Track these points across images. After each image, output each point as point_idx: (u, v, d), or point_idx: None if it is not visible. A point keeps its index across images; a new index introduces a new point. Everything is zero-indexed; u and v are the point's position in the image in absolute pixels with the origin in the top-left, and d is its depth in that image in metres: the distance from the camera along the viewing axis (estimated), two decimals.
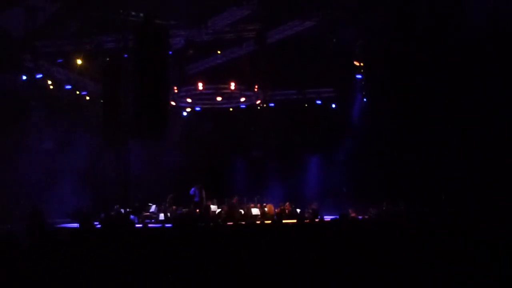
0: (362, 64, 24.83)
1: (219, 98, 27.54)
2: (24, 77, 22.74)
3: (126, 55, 22.28)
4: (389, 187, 22.90)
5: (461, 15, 20.76)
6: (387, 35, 22.29)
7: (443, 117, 22.06)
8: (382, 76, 23.97)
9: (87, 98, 25.49)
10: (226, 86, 26.66)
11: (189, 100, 28.01)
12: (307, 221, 14.42)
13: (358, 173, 24.61)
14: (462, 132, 21.34)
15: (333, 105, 27.53)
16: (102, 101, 22.97)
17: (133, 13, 20.99)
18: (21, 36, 21.82)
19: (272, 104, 28.52)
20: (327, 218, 17.00)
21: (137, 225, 16.12)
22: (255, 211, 23.01)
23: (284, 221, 16.62)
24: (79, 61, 23.15)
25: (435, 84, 22.05)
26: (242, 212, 22.89)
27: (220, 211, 22.55)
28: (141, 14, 20.80)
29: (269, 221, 18.94)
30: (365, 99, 25.76)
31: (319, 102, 27.78)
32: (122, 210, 21.19)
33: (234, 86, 26.51)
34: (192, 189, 22.79)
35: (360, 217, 18.67)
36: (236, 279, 7.71)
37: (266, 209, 23.48)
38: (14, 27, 21.24)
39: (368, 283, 7.57)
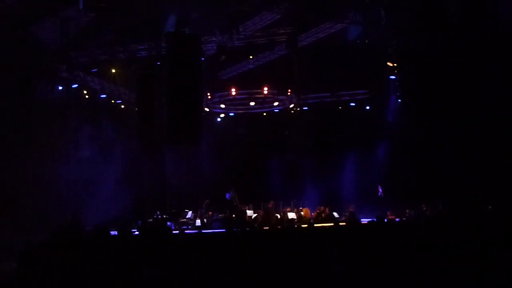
0: (395, 64, 24.57)
1: (252, 103, 27.58)
2: (60, 87, 23.07)
3: (159, 63, 22.42)
4: (427, 188, 22.65)
5: (495, 12, 20.44)
6: (420, 34, 22.07)
7: (480, 116, 21.74)
8: (416, 76, 23.72)
9: (122, 106, 25.76)
10: (259, 90, 26.71)
11: (222, 105, 28.11)
12: (344, 224, 14.35)
13: (395, 174, 24.35)
14: (500, 131, 21.01)
15: (367, 107, 27.32)
16: (136, 109, 23.17)
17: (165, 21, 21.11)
18: (56, 47, 22.12)
19: (306, 108, 28.43)
20: (365, 220, 16.85)
21: (174, 231, 16.20)
22: (292, 215, 22.96)
23: (320, 224, 16.57)
24: (113, 70, 23.41)
25: (470, 82, 21.75)
26: (279, 216, 22.86)
27: (256, 216, 22.55)
28: (173, 22, 20.91)
29: (306, 225, 18.85)
30: (399, 100, 25.52)
31: (353, 104, 27.60)
32: (160, 217, 21.32)
33: (267, 90, 26.55)
34: (228, 194, 22.82)
35: (397, 219, 18.49)
36: (273, 282, 7.69)
37: (302, 213, 23.42)
38: (49, 38, 21.53)
39: (406, 285, 7.49)
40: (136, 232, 16.32)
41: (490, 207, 18.84)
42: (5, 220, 18.22)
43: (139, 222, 20.21)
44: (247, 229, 14.54)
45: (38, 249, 9.19)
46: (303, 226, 14.28)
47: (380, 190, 24.10)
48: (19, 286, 7.58)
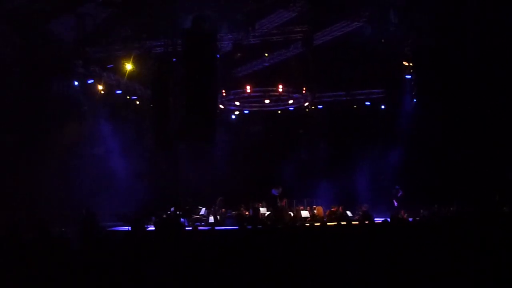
0: (411, 64, 24.47)
1: (267, 101, 27.56)
2: (76, 83, 23.18)
3: (174, 60, 22.48)
4: (441, 188, 22.56)
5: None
6: (437, 33, 21.97)
7: (497, 116, 21.63)
8: (432, 76, 23.62)
9: (137, 102, 25.84)
10: (274, 88, 26.69)
11: (237, 103, 28.12)
12: (357, 223, 14.32)
13: (409, 174, 24.26)
14: None
15: (383, 106, 27.22)
16: (151, 105, 23.25)
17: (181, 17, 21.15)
18: (73, 43, 22.26)
19: (321, 106, 28.40)
20: (378, 220, 16.83)
21: (187, 228, 16.27)
22: (305, 213, 22.97)
23: (333, 223, 16.54)
24: (129, 66, 23.47)
25: (487, 82, 21.63)
26: (292, 214, 22.88)
27: (270, 213, 22.56)
28: (190, 19, 20.95)
29: (319, 224, 18.86)
30: (414, 99, 25.42)
31: (368, 103, 27.52)
32: (173, 213, 21.41)
33: (282, 88, 26.52)
34: (274, 190, 22.92)
35: (410, 219, 18.44)
36: (285, 280, 7.72)
37: (315, 211, 23.43)
38: (65, 34, 21.67)
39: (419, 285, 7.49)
40: (150, 228, 16.44)
41: (505, 208, 18.76)
42: (20, 213, 18.35)
43: (153, 218, 20.36)
44: (260, 226, 14.56)
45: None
46: (316, 224, 14.28)
47: (400, 192, 24.03)
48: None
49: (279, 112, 29.00)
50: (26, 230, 9.97)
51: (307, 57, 24.35)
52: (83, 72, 23.16)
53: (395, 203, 23.91)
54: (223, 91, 26.54)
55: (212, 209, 22.92)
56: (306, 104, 28.26)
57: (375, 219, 17.54)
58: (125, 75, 24.16)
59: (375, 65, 23.80)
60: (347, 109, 27.80)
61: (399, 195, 23.98)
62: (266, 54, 25.19)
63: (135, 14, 21.62)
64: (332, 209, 23.48)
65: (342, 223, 13.12)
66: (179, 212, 21.44)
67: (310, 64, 24.63)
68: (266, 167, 27.29)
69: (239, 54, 23.50)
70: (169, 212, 21.67)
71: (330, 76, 25.82)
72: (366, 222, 14.99)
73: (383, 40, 23.31)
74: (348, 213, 23.20)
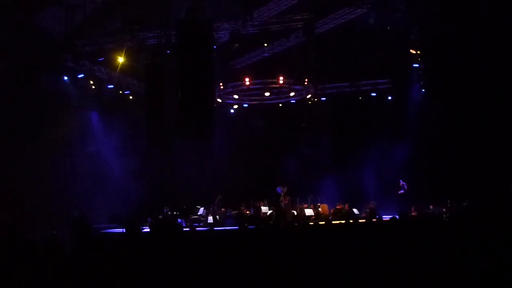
0: (419, 52, 24.39)
1: (267, 93, 27.53)
2: (66, 78, 23.13)
3: (168, 52, 22.43)
4: (453, 183, 22.50)
5: None
6: (445, 19, 21.88)
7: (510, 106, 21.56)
8: (441, 64, 23.52)
9: (130, 97, 25.82)
10: (274, 80, 26.66)
11: (236, 96, 28.09)
12: (363, 221, 14.35)
13: (419, 169, 24.22)
14: None
15: (389, 97, 27.19)
16: (145, 100, 23.21)
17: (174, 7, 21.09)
18: (62, 36, 22.20)
19: (324, 98, 28.37)
20: (386, 217, 16.84)
21: (184, 229, 16.27)
22: (309, 211, 22.95)
23: (339, 221, 16.57)
24: (120, 59, 23.43)
25: (501, 69, 21.51)
26: (295, 213, 22.87)
27: (272, 212, 22.56)
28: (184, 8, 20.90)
29: (323, 222, 18.85)
30: (423, 90, 25.37)
31: (374, 94, 27.49)
32: (169, 214, 21.40)
33: (283, 80, 26.49)
34: (279, 188, 22.89)
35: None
36: (288, 281, 7.72)
37: (320, 209, 23.41)
38: (54, 26, 21.61)
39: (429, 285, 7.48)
40: (146, 229, 16.44)
41: None
42: (9, 215, 18.36)
43: (149, 219, 20.35)
44: (262, 226, 14.56)
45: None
46: (320, 223, 14.29)
47: (405, 185, 23.98)
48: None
49: (280, 105, 29.01)
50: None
51: (308, 47, 24.30)
52: (73, 66, 23.11)
53: (401, 191, 23.91)
54: (221, 84, 26.52)
55: (211, 208, 22.91)
56: (309, 96, 28.25)
57: (383, 216, 17.61)
58: (117, 69, 24.15)
59: (380, 54, 23.71)
60: (352, 101, 27.79)
61: (406, 187, 23.97)
62: (266, 44, 25.16)
63: (126, 4, 21.55)
64: (338, 207, 23.46)
65: (349, 221, 13.13)
66: (176, 212, 21.43)
67: (312, 54, 24.60)
68: (267, 163, 27.31)
69: (236, 45, 23.41)
70: (165, 213, 21.67)
71: (333, 66, 25.78)
72: (374, 219, 15.01)
73: (388, 27, 23.24)
74: (355, 210, 23.18)
